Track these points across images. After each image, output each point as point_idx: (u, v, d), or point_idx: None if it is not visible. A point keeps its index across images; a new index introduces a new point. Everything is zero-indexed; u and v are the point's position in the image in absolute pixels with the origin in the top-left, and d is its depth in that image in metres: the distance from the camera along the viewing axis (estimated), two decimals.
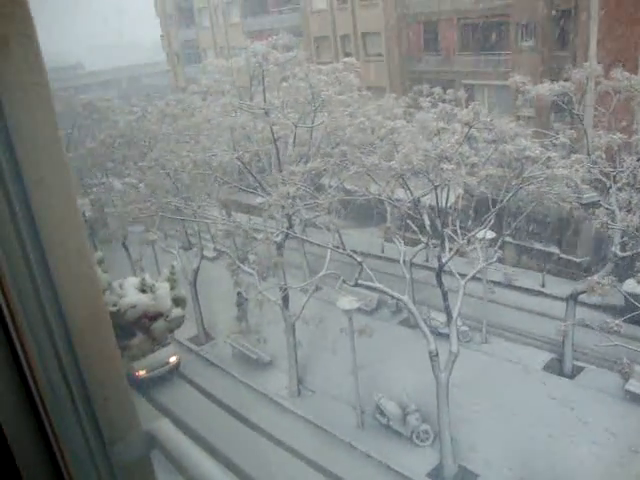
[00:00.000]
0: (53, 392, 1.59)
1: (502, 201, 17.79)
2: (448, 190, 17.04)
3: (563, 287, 23.45)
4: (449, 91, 21.42)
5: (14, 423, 1.51)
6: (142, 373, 21.13)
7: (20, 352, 1.50)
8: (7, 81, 1.40)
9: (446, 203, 17.09)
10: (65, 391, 1.63)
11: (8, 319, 1.47)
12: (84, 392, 1.68)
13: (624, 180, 18.52)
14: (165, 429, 1.94)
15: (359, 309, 19.55)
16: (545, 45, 25.44)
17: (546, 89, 19.07)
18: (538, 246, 27.55)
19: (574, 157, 17.60)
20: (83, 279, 1.69)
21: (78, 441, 1.68)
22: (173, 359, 22.71)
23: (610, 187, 18.86)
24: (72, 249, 1.64)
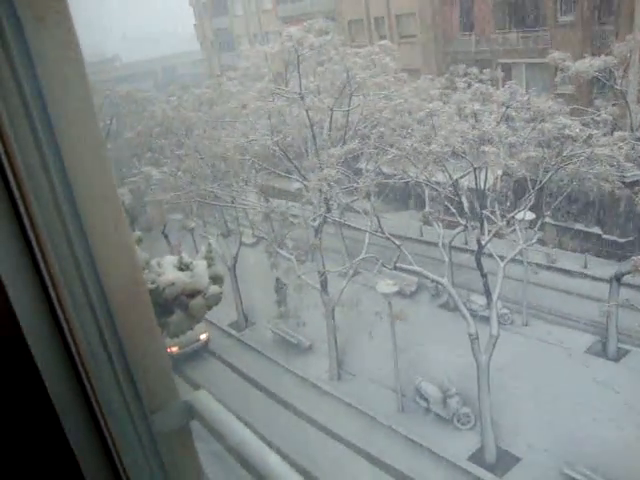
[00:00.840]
0: (96, 363, 1.64)
1: (541, 182, 17.48)
2: (487, 172, 16.83)
3: (606, 268, 22.97)
4: (485, 71, 21.09)
5: (62, 394, 1.57)
6: (175, 350, 21.53)
7: (64, 325, 1.55)
8: (43, 55, 1.44)
9: (485, 185, 16.88)
10: (107, 363, 1.68)
11: (53, 295, 1.52)
12: (125, 364, 1.73)
13: None
14: (204, 399, 1.98)
15: (398, 292, 19.50)
16: (585, 19, 24.74)
17: (586, 65, 18.63)
18: (579, 227, 26.99)
19: (617, 134, 17.17)
20: (122, 254, 1.73)
21: (121, 410, 1.74)
22: (204, 336, 23.10)
23: None
24: (110, 224, 1.69)
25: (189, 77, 47.76)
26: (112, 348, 1.69)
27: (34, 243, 1.46)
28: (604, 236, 26.14)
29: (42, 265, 1.48)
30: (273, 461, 1.68)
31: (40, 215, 1.46)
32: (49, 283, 1.50)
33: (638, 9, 22.14)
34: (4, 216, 1.42)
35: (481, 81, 19.44)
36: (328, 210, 19.62)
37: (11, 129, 1.38)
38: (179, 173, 22.34)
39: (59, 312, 1.51)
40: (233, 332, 25.43)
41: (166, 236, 27.64)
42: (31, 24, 1.39)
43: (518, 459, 16.98)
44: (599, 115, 18.19)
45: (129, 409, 1.73)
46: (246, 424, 1.89)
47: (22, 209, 1.43)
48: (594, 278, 24.25)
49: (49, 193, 1.49)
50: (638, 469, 15.51)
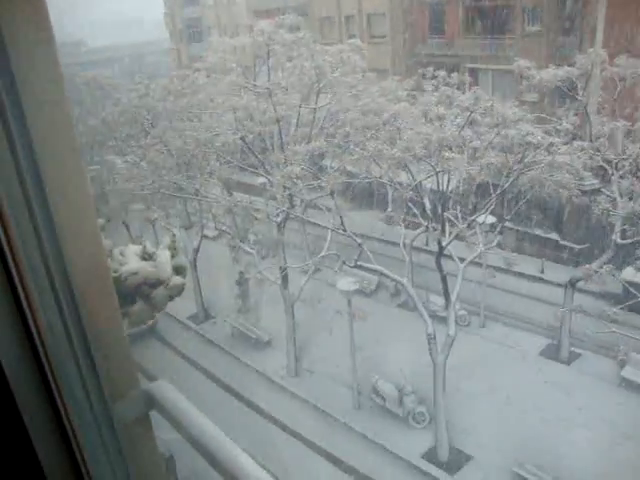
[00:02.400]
0: (58, 349, 1.62)
1: (503, 186, 17.78)
2: (449, 175, 17.04)
3: (562, 274, 23.50)
4: (453, 75, 21.30)
5: (21, 379, 1.55)
6: None
7: (26, 309, 1.53)
8: (13, 35, 1.41)
9: (447, 187, 17.10)
10: (67, 346, 1.66)
11: (15, 277, 1.50)
12: (87, 350, 1.72)
13: (627, 167, 18.49)
14: (164, 389, 1.97)
15: (358, 291, 19.62)
16: (551, 30, 25.26)
17: (550, 74, 19.00)
18: (538, 232, 27.55)
19: (576, 144, 17.57)
20: (88, 240, 1.71)
21: (81, 398, 1.72)
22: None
23: (612, 174, 18.84)
24: (78, 210, 1.67)
25: (156, 66, 47.16)
26: (74, 334, 1.67)
27: None
28: (561, 242, 26.74)
29: (5, 247, 1.46)
30: (234, 452, 1.68)
31: (6, 197, 1.44)
32: (12, 265, 1.48)
33: (600, 24, 22.70)
34: None
35: (448, 85, 19.62)
36: (292, 206, 19.61)
37: None
38: (142, 163, 22.04)
39: (21, 296, 1.49)
40: (192, 325, 25.23)
41: (127, 226, 27.25)
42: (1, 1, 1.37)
43: (470, 457, 17.29)
44: (560, 124, 18.56)
45: (89, 397, 1.71)
46: (198, 411, 1.89)
47: None
48: (550, 283, 24.78)
49: (16, 176, 1.47)
50: (582, 468, 15.95)
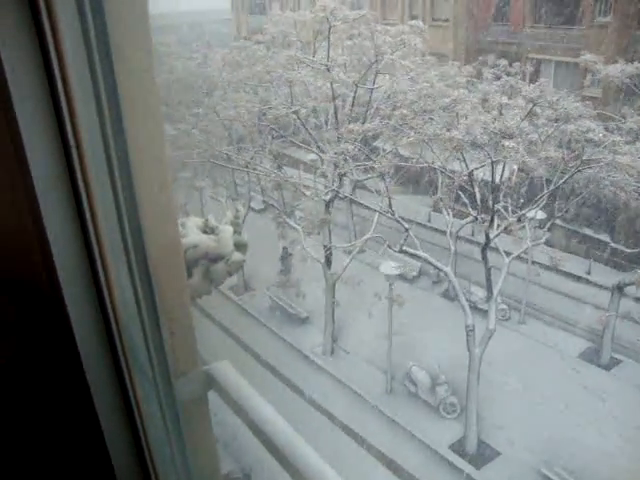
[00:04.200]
0: (128, 319, 1.62)
1: (557, 182, 17.34)
2: (504, 166, 16.69)
3: (610, 276, 22.90)
4: (515, 64, 20.80)
5: (91, 349, 1.55)
6: None
7: (102, 278, 1.52)
8: (112, 6, 1.38)
9: (500, 178, 16.76)
10: (138, 320, 1.65)
11: (95, 248, 1.49)
12: (155, 323, 1.70)
13: None
14: (225, 370, 1.96)
15: (401, 276, 19.51)
16: (623, 22, 24.30)
17: (618, 70, 18.35)
18: (589, 232, 26.85)
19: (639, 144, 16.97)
20: (164, 214, 1.70)
21: (146, 370, 1.71)
22: None
23: None
24: (156, 183, 1.65)
25: (215, 35, 47.22)
26: (144, 306, 1.66)
27: (82, 192, 1.42)
28: (612, 244, 26.02)
29: (88, 215, 1.44)
30: (295, 442, 1.65)
31: (92, 165, 1.42)
32: (92, 234, 1.47)
33: None
34: (55, 164, 1.38)
35: (509, 74, 19.19)
36: (341, 185, 19.51)
37: (74, 73, 1.34)
38: (194, 131, 22.17)
39: (99, 268, 1.48)
40: (232, 295, 25.49)
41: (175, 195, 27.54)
42: None
43: (498, 453, 17.13)
44: (624, 122, 17.94)
45: (155, 373, 1.71)
46: (259, 395, 1.86)
47: (75, 156, 1.39)
48: (597, 285, 24.20)
49: (102, 144, 1.45)
50: (612, 477, 15.66)
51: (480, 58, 23.02)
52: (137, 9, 1.47)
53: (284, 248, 23.63)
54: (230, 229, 3.27)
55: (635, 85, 19.16)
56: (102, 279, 1.50)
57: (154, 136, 1.59)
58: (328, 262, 20.17)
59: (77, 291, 1.46)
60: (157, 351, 1.68)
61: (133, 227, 1.55)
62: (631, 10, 24.02)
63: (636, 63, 18.39)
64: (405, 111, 17.16)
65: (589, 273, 25.42)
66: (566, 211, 20.13)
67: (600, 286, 23.54)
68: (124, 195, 1.50)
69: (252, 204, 25.50)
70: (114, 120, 1.42)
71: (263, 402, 1.80)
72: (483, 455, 17.16)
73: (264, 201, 23.81)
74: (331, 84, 18.92)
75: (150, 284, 1.62)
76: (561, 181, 17.25)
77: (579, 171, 17.00)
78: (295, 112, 19.43)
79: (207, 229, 3.37)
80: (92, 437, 1.58)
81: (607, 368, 20.17)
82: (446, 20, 32.99)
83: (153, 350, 1.67)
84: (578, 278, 25.33)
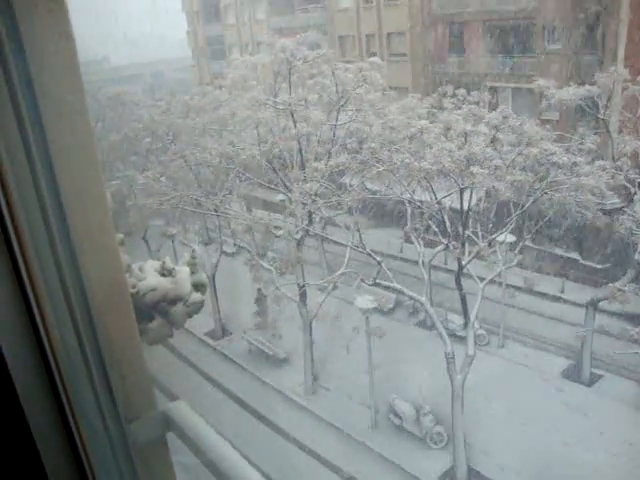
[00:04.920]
0: (71, 366, 1.57)
1: (524, 205, 17.61)
2: (471, 192, 16.92)
3: (583, 293, 23.15)
4: (473, 93, 21.28)
5: (33, 396, 1.50)
6: None
7: (40, 325, 1.48)
8: (35, 44, 1.38)
9: (469, 205, 16.97)
10: (82, 364, 1.61)
11: (30, 293, 1.45)
12: (102, 368, 1.67)
13: None
14: (182, 410, 1.91)
15: (376, 309, 19.47)
16: (572, 48, 25.13)
17: (570, 93, 18.89)
18: (559, 251, 27.22)
19: (598, 163, 17.38)
20: (105, 254, 1.67)
21: (95, 417, 1.67)
22: None
23: (635, 194, 18.58)
24: (95, 224, 1.63)
25: (178, 82, 47.62)
26: (90, 351, 1.62)
27: (13, 237, 1.39)
28: (582, 262, 26.38)
29: (20, 261, 1.41)
30: (254, 478, 1.62)
31: (22, 209, 1.40)
32: (27, 281, 1.43)
33: (621, 42, 22.56)
34: None
35: (468, 103, 19.62)
36: (310, 223, 19.57)
37: None
38: (162, 178, 22.15)
39: (35, 310, 1.44)
40: (209, 341, 25.19)
41: (146, 241, 27.35)
42: (24, 11, 1.34)
43: None
44: (582, 143, 18.38)
45: (104, 417, 1.66)
46: (217, 433, 1.82)
47: (3, 203, 1.37)
48: (571, 303, 24.43)
49: (33, 188, 1.43)
50: None
51: (439, 89, 23.46)
52: (62, 46, 1.46)
53: (258, 290, 23.50)
54: (187, 270, 3.23)
55: (588, 106, 19.71)
56: (40, 325, 1.46)
57: (90, 177, 1.58)
58: (303, 300, 20.10)
59: (14, 338, 1.42)
60: (105, 395, 1.64)
61: (71, 270, 1.53)
62: (578, 37, 24.86)
63: (587, 86, 18.95)
64: (373, 144, 17.39)
65: (563, 292, 25.69)
66: (535, 232, 20.40)
67: (574, 303, 23.76)
68: (59, 238, 1.48)
69: (224, 248, 25.43)
70: (44, 163, 1.41)
71: (220, 440, 1.76)
72: None
73: (235, 244, 23.75)
74: (294, 123, 19.12)
75: (93, 327, 1.59)
76: (528, 203, 17.52)
77: (545, 193, 17.32)
78: (262, 153, 19.56)
79: (165, 271, 3.35)
80: None
81: (589, 384, 20.24)
82: (403, 55, 33.76)
83: (101, 394, 1.64)
84: (552, 297, 25.57)
